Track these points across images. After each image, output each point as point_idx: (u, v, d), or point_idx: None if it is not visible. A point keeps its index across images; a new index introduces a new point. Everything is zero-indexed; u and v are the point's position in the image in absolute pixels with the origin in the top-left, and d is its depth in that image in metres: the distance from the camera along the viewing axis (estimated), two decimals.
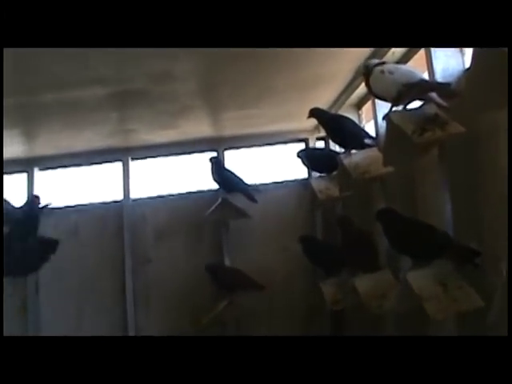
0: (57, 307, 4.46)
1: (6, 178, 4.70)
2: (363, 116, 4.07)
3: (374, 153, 3.20)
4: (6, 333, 4.28)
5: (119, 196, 4.64)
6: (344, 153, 3.41)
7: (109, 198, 4.69)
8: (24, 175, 4.67)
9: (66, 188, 4.76)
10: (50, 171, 4.73)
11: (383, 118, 2.61)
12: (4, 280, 3.53)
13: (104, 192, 4.67)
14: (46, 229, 4.45)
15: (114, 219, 4.55)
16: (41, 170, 4.68)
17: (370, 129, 3.62)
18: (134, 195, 4.62)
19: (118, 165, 4.67)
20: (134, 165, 4.67)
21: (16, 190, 4.68)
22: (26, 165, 4.61)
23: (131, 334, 4.37)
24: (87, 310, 4.47)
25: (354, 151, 3.33)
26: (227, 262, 4.42)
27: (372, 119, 3.61)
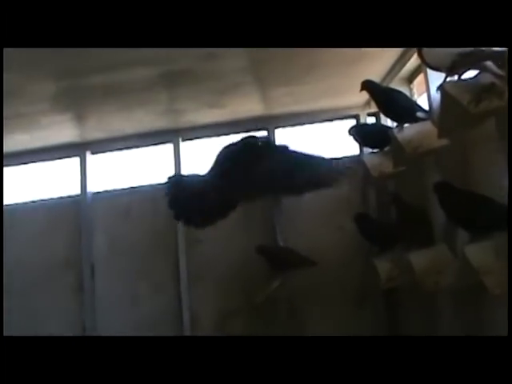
0: (111, 289, 4.53)
1: (58, 162, 4.77)
2: (415, 90, 3.99)
3: (427, 126, 3.14)
4: (61, 317, 4.41)
5: None
6: (397, 127, 3.35)
7: (160, 180, 4.69)
8: (76, 159, 4.72)
9: (118, 171, 4.79)
10: (102, 154, 4.77)
11: (437, 89, 2.55)
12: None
13: (156, 173, 4.68)
14: (98, 211, 4.54)
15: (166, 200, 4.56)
16: (93, 153, 4.73)
17: (422, 103, 3.54)
18: None
19: (169, 146, 4.68)
20: (184, 146, 4.67)
21: (69, 175, 4.74)
22: (78, 149, 4.66)
23: (185, 314, 4.41)
24: (141, 291, 4.51)
25: (406, 125, 3.28)
26: (279, 241, 4.41)
27: (424, 93, 3.53)
